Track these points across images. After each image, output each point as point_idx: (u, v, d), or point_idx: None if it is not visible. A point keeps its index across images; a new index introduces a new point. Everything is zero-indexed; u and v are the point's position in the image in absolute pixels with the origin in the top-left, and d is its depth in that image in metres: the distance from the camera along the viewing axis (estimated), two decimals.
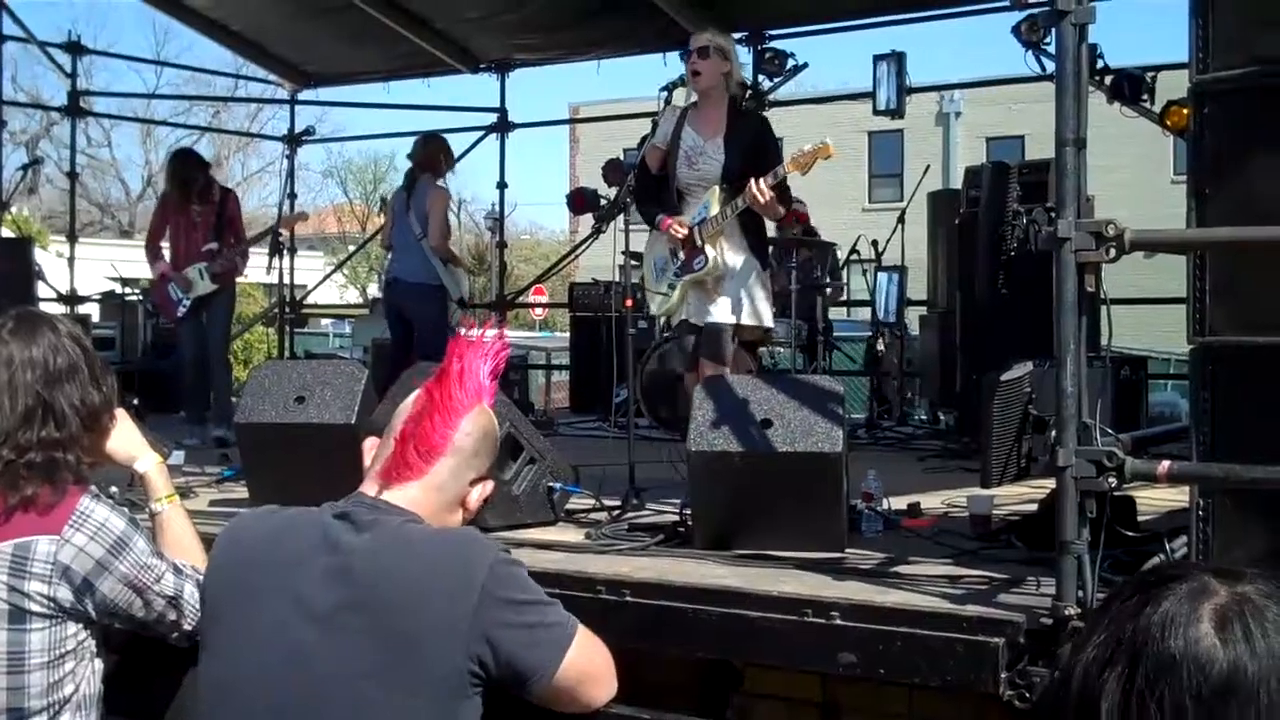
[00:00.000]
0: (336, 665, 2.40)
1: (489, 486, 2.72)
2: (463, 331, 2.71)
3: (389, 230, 9.86)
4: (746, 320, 6.46)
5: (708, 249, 6.42)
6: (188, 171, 9.64)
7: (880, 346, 11.01)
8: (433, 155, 9.49)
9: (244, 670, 2.49)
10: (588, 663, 2.54)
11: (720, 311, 6.43)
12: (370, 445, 2.72)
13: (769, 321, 6.67)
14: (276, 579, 2.50)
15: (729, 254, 6.45)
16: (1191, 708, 1.53)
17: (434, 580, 2.42)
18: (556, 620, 2.51)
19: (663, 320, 9.13)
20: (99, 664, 2.96)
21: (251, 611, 2.51)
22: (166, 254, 9.50)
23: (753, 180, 6.15)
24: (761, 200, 6.17)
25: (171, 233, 9.47)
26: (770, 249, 7.20)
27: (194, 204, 9.41)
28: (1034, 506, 4.97)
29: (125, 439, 3.19)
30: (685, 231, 6.46)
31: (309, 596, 2.45)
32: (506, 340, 2.78)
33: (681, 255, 6.54)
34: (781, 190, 6.32)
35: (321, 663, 2.40)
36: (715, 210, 6.40)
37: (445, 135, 10.25)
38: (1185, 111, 4.00)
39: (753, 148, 6.43)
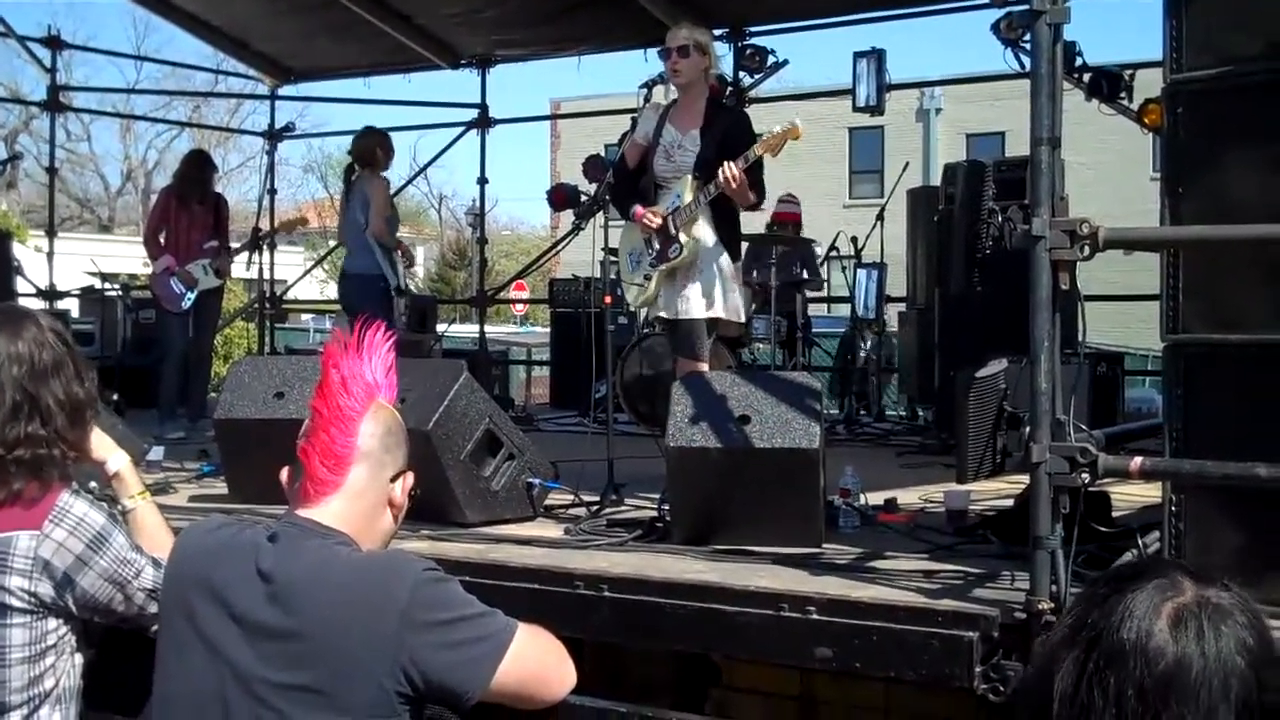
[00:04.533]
0: (266, 690, 2.43)
1: (410, 479, 2.74)
2: (335, 339, 2.69)
3: (340, 227, 10.12)
4: (719, 314, 6.43)
5: (682, 236, 6.41)
6: (205, 172, 10.05)
7: (864, 345, 11.08)
8: (369, 149, 9.58)
9: (182, 688, 2.54)
10: (526, 668, 2.54)
11: (692, 306, 6.40)
12: (285, 474, 2.72)
13: (740, 315, 6.66)
14: (211, 600, 2.53)
15: (702, 243, 6.43)
16: (1133, 697, 1.56)
17: (355, 607, 2.44)
18: (486, 634, 2.51)
19: (642, 316, 9.14)
20: (79, 658, 2.97)
21: (189, 630, 2.54)
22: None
23: (725, 164, 6.15)
24: (733, 184, 6.15)
25: (170, 229, 9.66)
26: (744, 245, 7.19)
27: (196, 203, 9.70)
28: (1010, 502, 5.00)
29: (95, 440, 3.20)
30: (659, 220, 6.44)
31: (239, 620, 2.49)
32: (391, 331, 2.76)
33: (656, 245, 6.51)
34: (754, 177, 6.31)
35: (252, 685, 2.44)
36: (688, 198, 6.38)
37: (426, 130, 10.33)
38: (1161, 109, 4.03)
39: (728, 138, 6.40)
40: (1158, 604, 1.62)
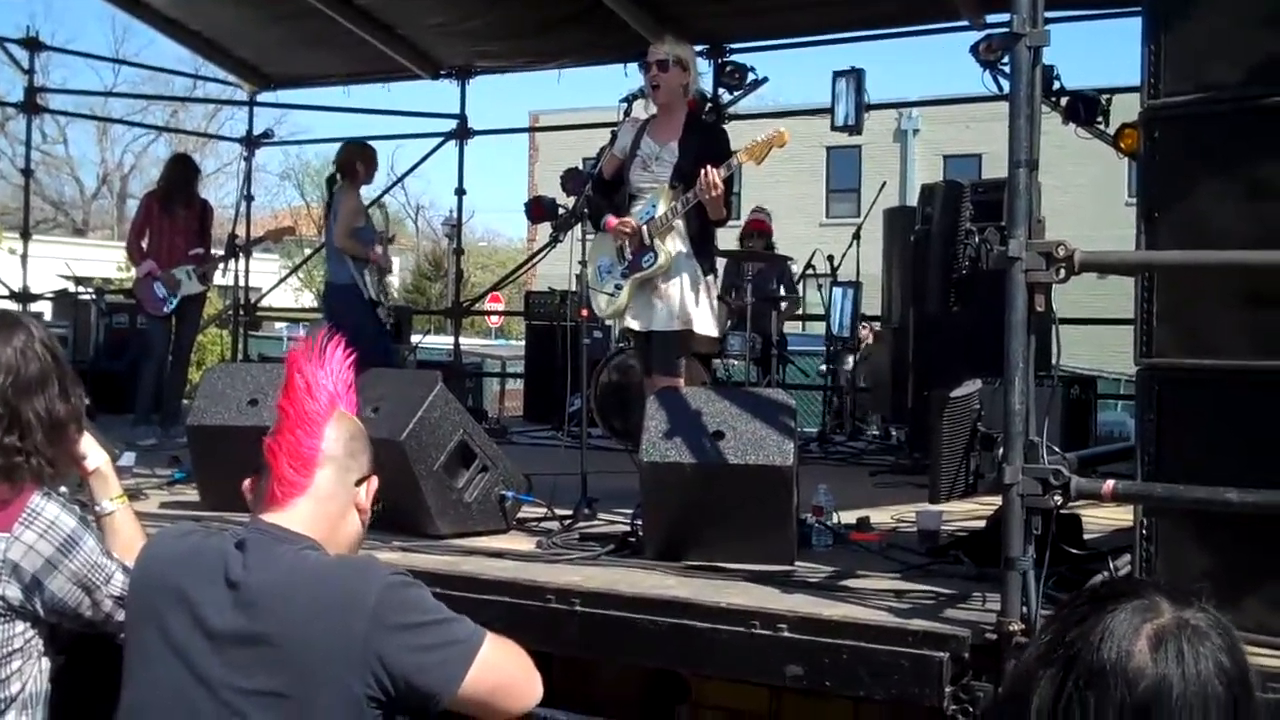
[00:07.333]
0: (234, 696, 2.43)
1: (374, 483, 2.77)
2: (293, 344, 2.72)
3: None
4: (691, 326, 6.39)
5: (656, 245, 6.38)
6: (190, 176, 10.08)
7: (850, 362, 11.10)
8: (348, 160, 9.63)
9: (149, 696, 2.53)
10: (496, 675, 2.54)
11: (664, 317, 6.39)
12: (247, 484, 2.73)
13: (713, 330, 6.64)
14: (179, 608, 2.52)
15: (676, 253, 6.40)
16: (1113, 718, 1.56)
17: (324, 611, 2.44)
18: (456, 638, 2.51)
19: (618, 329, 9.13)
20: (46, 663, 2.95)
21: (157, 638, 2.53)
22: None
23: (707, 167, 6.12)
24: (713, 190, 6.12)
25: (153, 233, 9.67)
26: (718, 260, 7.18)
27: (180, 208, 9.69)
28: (982, 523, 5.01)
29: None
30: (633, 225, 6.41)
31: (208, 628, 2.48)
32: (353, 350, 2.78)
33: (629, 254, 6.47)
34: (726, 193, 6.28)
35: (220, 693, 2.43)
36: (663, 208, 6.36)
37: (404, 140, 10.32)
38: (1138, 134, 4.05)
39: (705, 151, 6.36)
40: (1137, 624, 1.61)
